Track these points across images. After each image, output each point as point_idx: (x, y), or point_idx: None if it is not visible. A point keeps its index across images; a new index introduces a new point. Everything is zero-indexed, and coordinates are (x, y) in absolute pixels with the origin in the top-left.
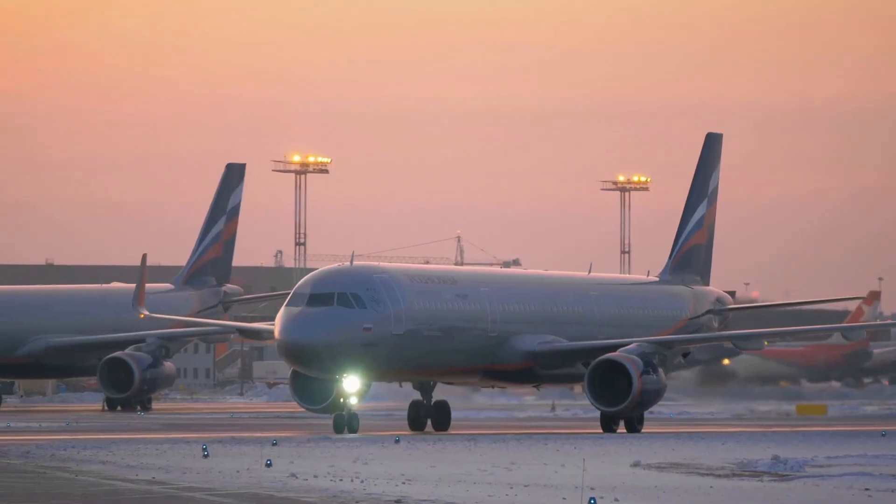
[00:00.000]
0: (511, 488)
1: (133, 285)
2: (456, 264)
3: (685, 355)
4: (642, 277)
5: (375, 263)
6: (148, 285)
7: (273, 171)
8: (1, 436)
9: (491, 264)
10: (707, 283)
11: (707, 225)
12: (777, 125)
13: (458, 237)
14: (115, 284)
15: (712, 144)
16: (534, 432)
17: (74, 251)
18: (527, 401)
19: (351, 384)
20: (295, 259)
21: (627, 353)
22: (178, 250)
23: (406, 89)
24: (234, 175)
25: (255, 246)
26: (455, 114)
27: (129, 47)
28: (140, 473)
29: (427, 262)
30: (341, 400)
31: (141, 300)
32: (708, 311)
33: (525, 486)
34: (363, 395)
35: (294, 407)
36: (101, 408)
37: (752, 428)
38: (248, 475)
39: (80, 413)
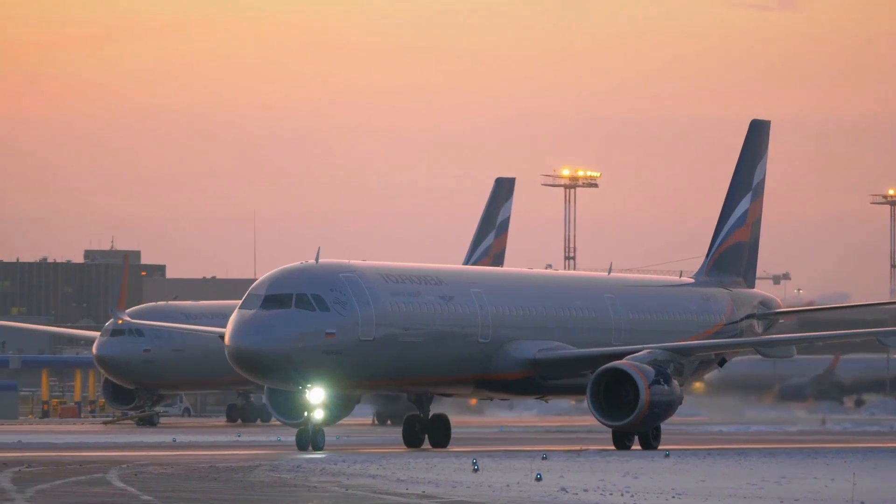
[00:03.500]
0: (781, 502)
1: None
2: None
3: (722, 363)
4: (672, 279)
5: (345, 261)
6: None
7: (542, 185)
8: (272, 450)
9: (761, 279)
10: (751, 285)
11: (751, 221)
12: None
13: None
14: None
15: (758, 132)
16: (804, 447)
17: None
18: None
19: (315, 396)
20: None
21: (637, 361)
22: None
23: (676, 105)
24: (503, 189)
25: (524, 260)
26: (721, 128)
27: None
28: (410, 487)
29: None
30: (305, 413)
31: (121, 303)
32: (749, 316)
33: (795, 500)
34: (351, 408)
35: (567, 421)
36: (371, 422)
37: None
38: (518, 489)
39: (351, 427)
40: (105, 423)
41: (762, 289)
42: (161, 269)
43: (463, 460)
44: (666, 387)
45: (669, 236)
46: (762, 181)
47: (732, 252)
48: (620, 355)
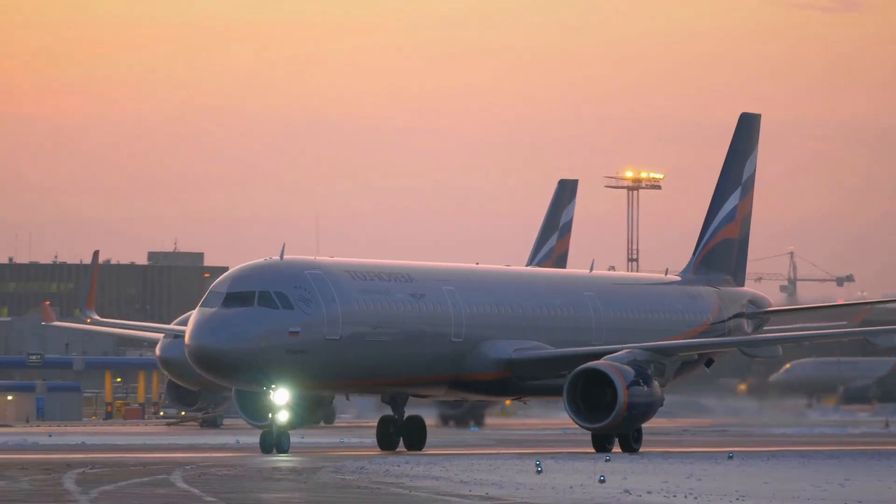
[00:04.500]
0: None
1: None
2: (789, 281)
3: (709, 364)
4: (657, 276)
5: (311, 257)
6: None
7: (606, 186)
8: (335, 451)
9: (823, 280)
10: (741, 283)
11: (740, 218)
12: None
13: (791, 253)
14: None
15: (748, 126)
16: (868, 449)
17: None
18: (860, 417)
19: (280, 397)
20: None
21: (615, 361)
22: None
23: (739, 107)
24: (566, 191)
25: (587, 262)
26: (784, 129)
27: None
28: (473, 489)
29: (760, 279)
30: (269, 415)
31: (90, 303)
32: (738, 315)
33: (859, 502)
34: (321, 410)
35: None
36: (436, 423)
37: None
38: (582, 491)
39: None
40: (168, 424)
41: (828, 291)
42: (224, 270)
43: (526, 461)
44: (645, 388)
45: None
46: (752, 176)
47: (721, 249)
48: (599, 355)
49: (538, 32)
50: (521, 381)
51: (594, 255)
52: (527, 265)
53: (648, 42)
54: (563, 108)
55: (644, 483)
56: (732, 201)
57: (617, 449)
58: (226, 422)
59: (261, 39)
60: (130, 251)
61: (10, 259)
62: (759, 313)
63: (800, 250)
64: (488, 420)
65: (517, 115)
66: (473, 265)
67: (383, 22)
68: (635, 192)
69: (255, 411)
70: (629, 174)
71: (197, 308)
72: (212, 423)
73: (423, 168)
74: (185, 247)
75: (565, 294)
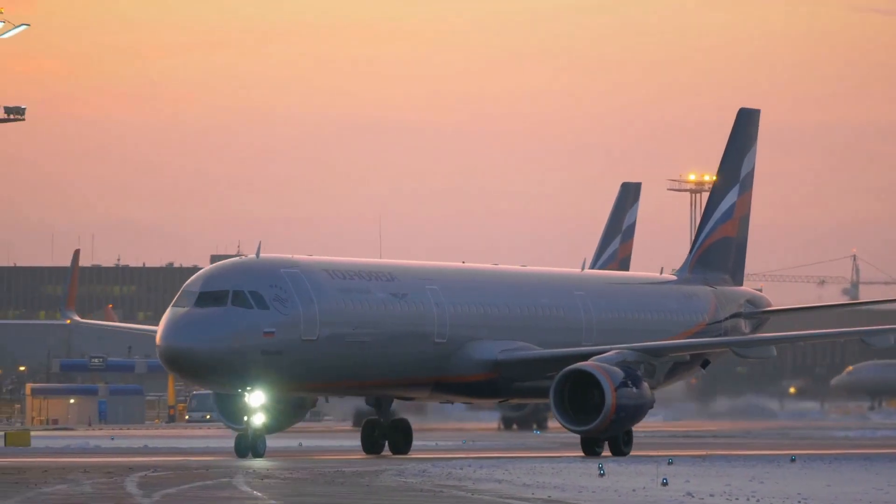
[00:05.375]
0: None
1: None
2: (851, 284)
3: (705, 365)
4: (652, 276)
5: (288, 255)
6: None
7: (668, 189)
8: (398, 455)
9: (888, 283)
10: (739, 283)
11: (739, 216)
12: None
13: (854, 256)
14: None
15: (746, 121)
16: None
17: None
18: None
19: (255, 399)
20: None
21: (603, 362)
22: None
23: (800, 109)
24: (629, 194)
25: (650, 265)
26: (848, 132)
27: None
28: (536, 492)
29: (823, 282)
30: (245, 418)
31: (70, 302)
32: (735, 315)
33: None
34: (303, 413)
35: (688, 426)
36: (497, 426)
37: None
38: (644, 494)
39: (477, 432)
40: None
41: (891, 293)
42: None
43: (589, 464)
44: (634, 389)
45: (795, 240)
46: (751, 173)
47: (718, 248)
48: (588, 356)
49: (599, 34)
50: (508, 382)
51: (658, 258)
52: (590, 268)
53: (711, 43)
54: (625, 111)
55: (707, 486)
56: (730, 199)
57: (607, 452)
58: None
59: (316, 43)
60: (194, 254)
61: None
62: (756, 313)
63: (862, 252)
64: (551, 423)
65: (580, 119)
66: (460, 264)
67: (441, 25)
68: (698, 195)
69: (233, 414)
70: (692, 177)
71: (169, 308)
72: None
73: (487, 171)
74: (248, 249)
75: (555, 293)
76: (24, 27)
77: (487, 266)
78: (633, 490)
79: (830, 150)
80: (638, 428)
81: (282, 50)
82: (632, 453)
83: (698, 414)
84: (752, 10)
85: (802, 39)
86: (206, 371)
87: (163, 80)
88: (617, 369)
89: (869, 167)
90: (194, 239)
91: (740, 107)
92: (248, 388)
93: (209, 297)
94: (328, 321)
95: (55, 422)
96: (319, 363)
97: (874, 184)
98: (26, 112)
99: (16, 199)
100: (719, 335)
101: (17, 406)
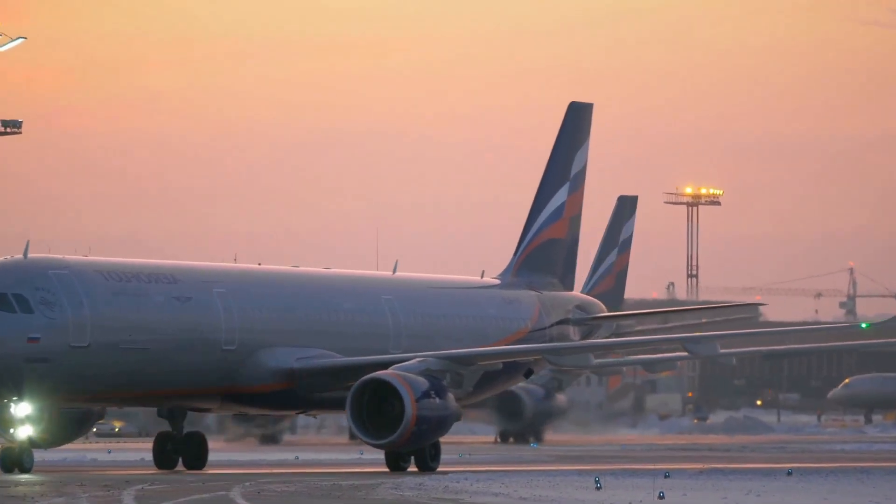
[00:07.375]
0: None
1: None
2: (848, 297)
3: (528, 374)
4: (472, 279)
5: (59, 256)
6: None
7: (665, 202)
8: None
9: (884, 296)
10: (570, 287)
11: (569, 216)
12: None
13: (851, 269)
14: None
15: (577, 115)
16: None
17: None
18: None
19: (21, 410)
20: (687, 291)
21: (404, 371)
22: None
23: (799, 122)
24: (625, 207)
25: (646, 278)
26: (844, 146)
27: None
28: None
29: (819, 295)
30: (10, 431)
31: None
32: (563, 321)
33: None
34: (89, 425)
35: (686, 438)
36: (493, 440)
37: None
38: None
39: (473, 445)
40: (227, 440)
41: (888, 307)
42: None
43: (585, 478)
44: (437, 400)
45: (793, 254)
46: (582, 170)
47: (545, 250)
48: (392, 364)
49: (593, 49)
50: (306, 392)
51: (654, 272)
52: (585, 282)
53: (706, 57)
54: (622, 124)
55: (703, 499)
56: (559, 198)
57: (413, 468)
58: (286, 438)
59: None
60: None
61: None
62: (586, 319)
63: (859, 265)
64: (548, 437)
65: None
66: (253, 266)
67: (435, 36)
68: (695, 208)
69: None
70: (689, 190)
71: None
72: (271, 440)
73: (482, 183)
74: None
75: (359, 297)
76: (20, 40)
77: (285, 268)
78: (630, 503)
79: (827, 162)
80: (633, 441)
81: (279, 65)
82: (625, 467)
83: (695, 428)
84: (752, 23)
85: (800, 51)
86: None
87: (162, 93)
88: (420, 378)
89: (867, 179)
90: (194, 254)
91: (571, 101)
92: (14, 399)
93: None
94: (100, 326)
95: None
96: (91, 372)
97: (872, 196)
98: (23, 125)
99: (9, 213)
100: (544, 342)
101: None
